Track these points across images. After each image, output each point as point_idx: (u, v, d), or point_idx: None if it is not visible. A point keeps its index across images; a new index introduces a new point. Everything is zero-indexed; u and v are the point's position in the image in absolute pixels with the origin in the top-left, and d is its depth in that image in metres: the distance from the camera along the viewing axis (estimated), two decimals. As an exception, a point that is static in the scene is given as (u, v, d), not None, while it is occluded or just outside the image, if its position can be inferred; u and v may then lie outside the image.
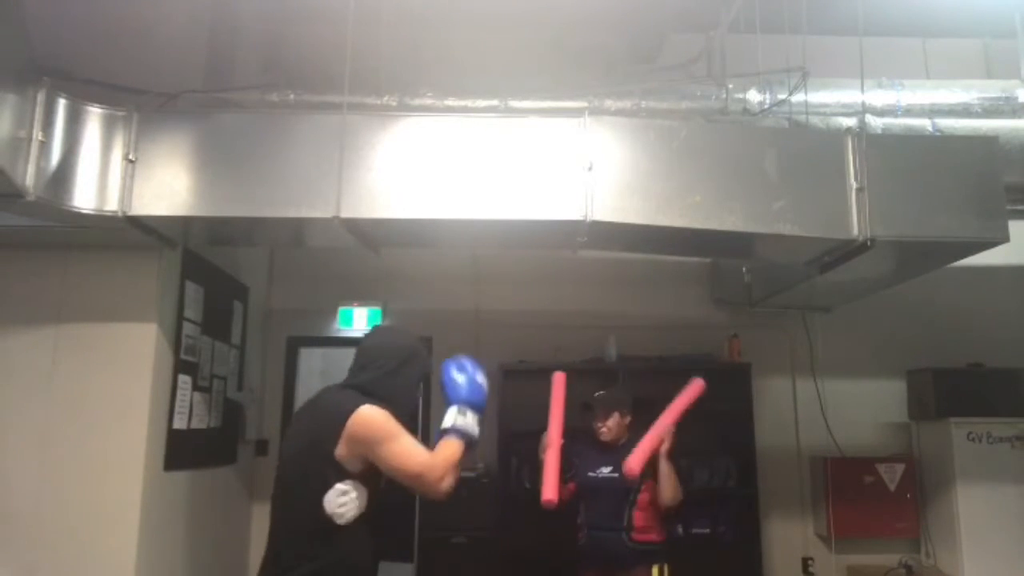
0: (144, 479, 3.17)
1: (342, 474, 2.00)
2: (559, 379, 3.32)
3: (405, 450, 1.98)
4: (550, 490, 2.96)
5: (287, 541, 2.05)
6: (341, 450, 1.99)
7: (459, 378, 2.15)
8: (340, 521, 2.00)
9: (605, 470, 3.29)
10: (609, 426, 3.35)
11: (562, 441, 3.13)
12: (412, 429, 2.10)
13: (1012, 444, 4.26)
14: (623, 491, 3.22)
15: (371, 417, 2.01)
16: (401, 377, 2.21)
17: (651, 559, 3.21)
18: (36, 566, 3.05)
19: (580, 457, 3.38)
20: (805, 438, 4.67)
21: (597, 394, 3.47)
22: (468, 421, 2.05)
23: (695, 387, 3.34)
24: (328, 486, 1.99)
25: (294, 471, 2.10)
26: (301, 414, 2.28)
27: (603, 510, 3.27)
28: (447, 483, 1.95)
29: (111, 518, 3.12)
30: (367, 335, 2.36)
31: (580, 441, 3.42)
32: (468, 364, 2.21)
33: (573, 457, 3.35)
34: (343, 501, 2.00)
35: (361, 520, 2.05)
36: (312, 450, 2.04)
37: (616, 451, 3.28)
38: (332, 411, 2.06)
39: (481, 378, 2.18)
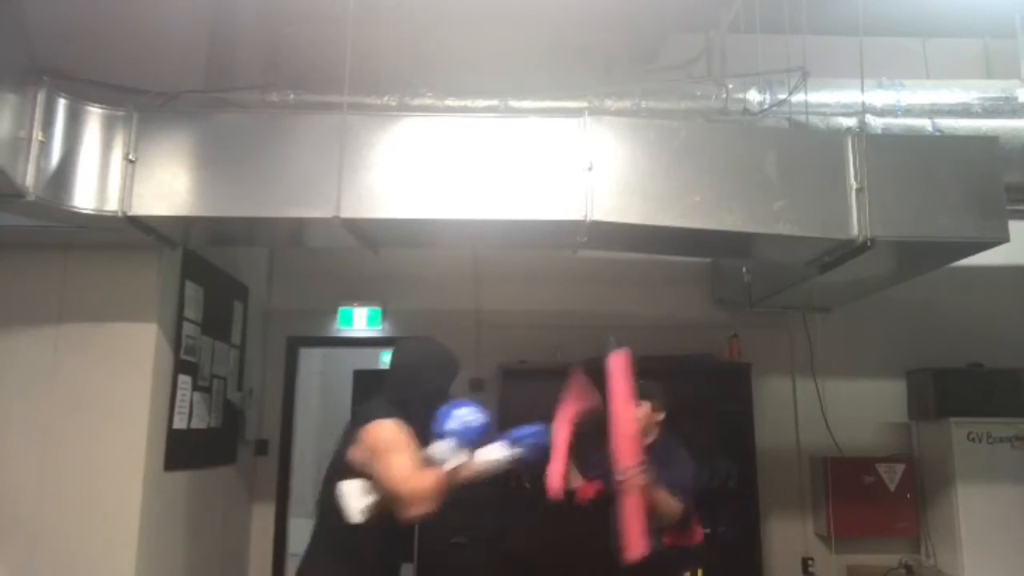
0: (144, 479, 3.17)
1: (350, 473, 2.19)
2: (619, 361, 2.80)
3: (393, 466, 2.10)
4: (555, 477, 2.58)
5: (315, 537, 2.30)
6: (353, 452, 2.21)
7: (461, 413, 2.26)
8: (352, 519, 2.14)
9: None
10: (639, 414, 3.05)
11: (578, 425, 2.77)
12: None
13: (1012, 444, 4.26)
14: None
15: (380, 428, 2.18)
16: (430, 379, 2.43)
17: (683, 565, 3.06)
18: (36, 566, 3.05)
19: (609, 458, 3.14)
20: (805, 438, 4.67)
21: (640, 381, 3.16)
22: (446, 451, 2.17)
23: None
24: (337, 482, 2.19)
25: (329, 477, 2.30)
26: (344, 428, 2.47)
27: None
28: (416, 509, 2.06)
29: (111, 518, 3.12)
30: (396, 348, 2.57)
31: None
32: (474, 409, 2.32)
33: (601, 456, 3.10)
34: (349, 499, 2.16)
35: (377, 522, 2.17)
36: (339, 455, 2.27)
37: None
38: (360, 420, 2.28)
39: (478, 422, 2.27)
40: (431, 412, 2.29)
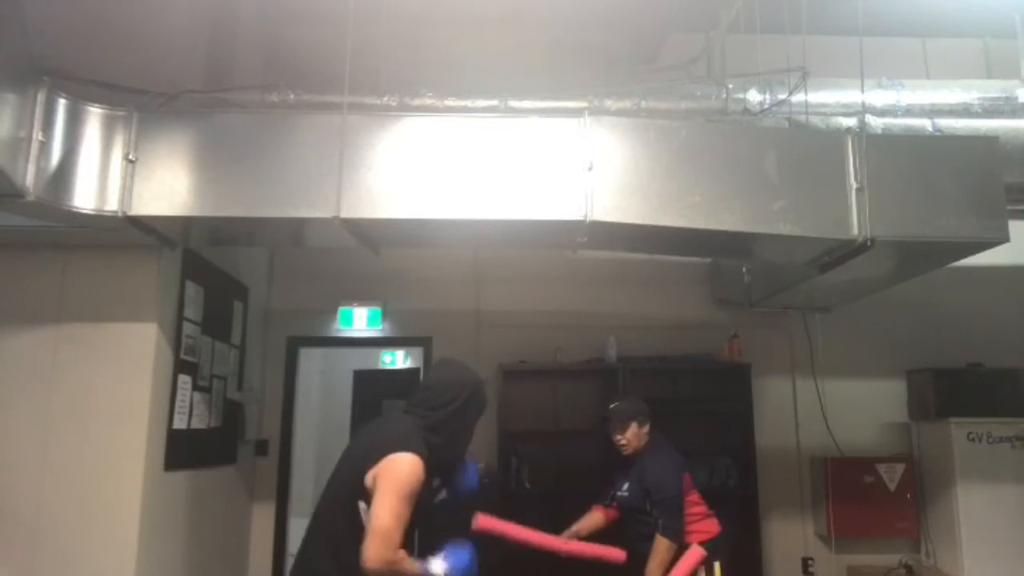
0: (144, 479, 3.17)
1: (365, 496, 2.15)
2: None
3: (385, 512, 2.08)
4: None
5: (324, 547, 2.20)
6: (368, 478, 2.15)
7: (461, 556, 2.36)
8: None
9: (625, 486, 3.37)
10: (628, 438, 3.36)
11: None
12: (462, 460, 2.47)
13: (1012, 444, 4.27)
14: (642, 506, 3.27)
15: (397, 468, 2.13)
16: (466, 415, 2.38)
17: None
18: (36, 566, 3.05)
19: (614, 474, 3.45)
20: (805, 438, 4.67)
21: (612, 405, 3.48)
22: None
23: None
24: (357, 500, 2.16)
25: (342, 484, 2.25)
26: (364, 433, 2.43)
27: (635, 526, 3.31)
28: (376, 567, 2.04)
29: (111, 518, 3.12)
30: (436, 368, 2.55)
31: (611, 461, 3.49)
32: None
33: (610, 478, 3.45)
34: (365, 517, 2.14)
35: None
36: (357, 469, 2.19)
37: (634, 466, 3.34)
38: (386, 441, 2.20)
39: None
40: (455, 445, 2.35)
